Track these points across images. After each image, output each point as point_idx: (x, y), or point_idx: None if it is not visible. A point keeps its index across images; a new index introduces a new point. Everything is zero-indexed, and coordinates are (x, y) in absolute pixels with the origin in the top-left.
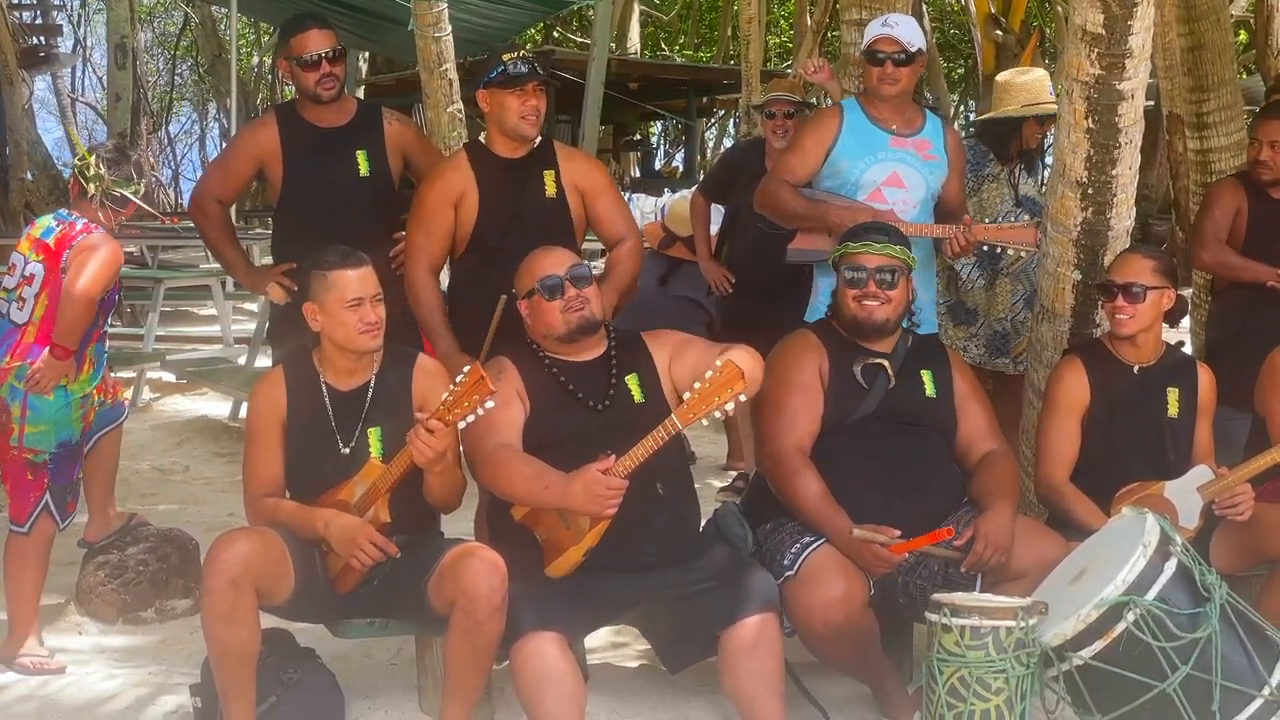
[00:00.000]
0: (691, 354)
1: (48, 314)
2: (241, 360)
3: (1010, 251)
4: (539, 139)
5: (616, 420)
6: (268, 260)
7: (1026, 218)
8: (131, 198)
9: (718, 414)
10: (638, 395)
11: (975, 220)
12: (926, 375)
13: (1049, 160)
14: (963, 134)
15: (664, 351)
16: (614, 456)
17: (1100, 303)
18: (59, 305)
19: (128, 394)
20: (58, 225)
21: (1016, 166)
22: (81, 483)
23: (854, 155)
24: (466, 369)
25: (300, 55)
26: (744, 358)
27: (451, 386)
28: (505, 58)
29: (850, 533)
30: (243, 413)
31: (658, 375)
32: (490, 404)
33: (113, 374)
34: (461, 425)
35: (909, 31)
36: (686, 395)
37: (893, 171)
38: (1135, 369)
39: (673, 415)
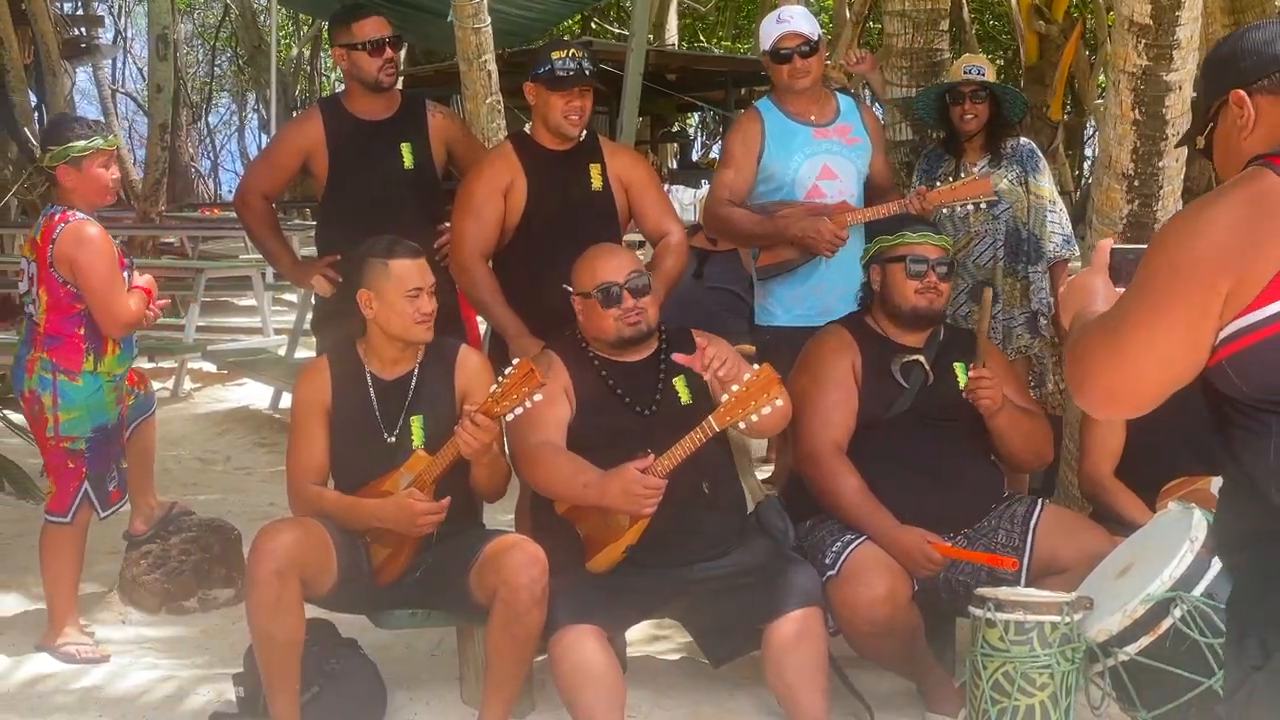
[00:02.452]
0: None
1: (49, 304)
2: (282, 351)
3: (970, 207)
4: (584, 133)
5: (663, 423)
6: (308, 251)
7: (975, 172)
8: (89, 152)
9: (754, 418)
10: (685, 396)
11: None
12: (959, 368)
13: (1089, 152)
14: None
15: None
16: (653, 455)
17: None
18: (97, 315)
19: (169, 384)
20: (43, 220)
21: (963, 162)
22: (126, 472)
23: (783, 156)
24: (515, 362)
25: (363, 40)
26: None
27: (499, 379)
28: (554, 55)
29: (894, 529)
30: (283, 403)
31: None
32: (538, 397)
33: (151, 363)
34: (509, 418)
35: (807, 22)
36: (725, 397)
37: (823, 164)
38: None
39: (710, 418)
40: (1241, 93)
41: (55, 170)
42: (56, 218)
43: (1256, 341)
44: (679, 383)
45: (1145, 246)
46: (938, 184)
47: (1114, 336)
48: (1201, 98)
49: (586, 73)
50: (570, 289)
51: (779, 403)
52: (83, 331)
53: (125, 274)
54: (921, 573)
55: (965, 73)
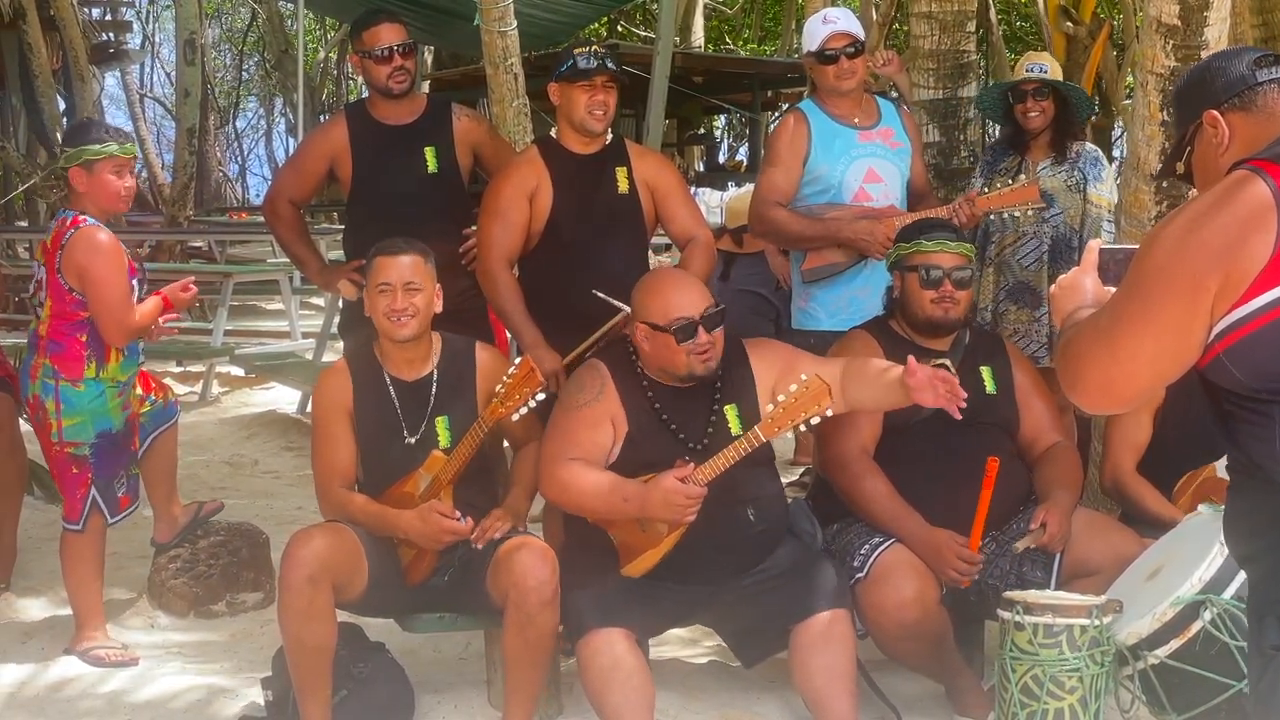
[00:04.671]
0: (802, 371)
1: (53, 310)
2: (309, 355)
3: (1017, 214)
4: (610, 136)
5: (712, 453)
6: (335, 255)
7: (1023, 178)
8: (101, 156)
9: (802, 428)
10: (735, 427)
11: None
12: (986, 371)
13: (1117, 153)
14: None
15: (769, 370)
16: (692, 464)
17: None
18: (100, 322)
19: (197, 388)
20: (54, 225)
21: (1026, 160)
22: (139, 479)
23: (830, 159)
24: (517, 361)
25: (372, 49)
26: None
27: (504, 378)
28: (576, 51)
29: (925, 531)
30: (311, 407)
31: (758, 401)
32: (541, 396)
33: (179, 367)
34: (515, 418)
35: (852, 22)
36: (770, 407)
37: (869, 167)
38: None
39: (756, 427)
40: (1215, 113)
41: (69, 172)
42: (68, 223)
43: (1251, 332)
44: (730, 411)
45: (1133, 247)
46: (998, 179)
47: (1106, 335)
48: (1176, 125)
49: (608, 65)
50: (626, 327)
51: (829, 413)
52: (85, 338)
53: (135, 282)
54: (951, 573)
55: (1028, 70)
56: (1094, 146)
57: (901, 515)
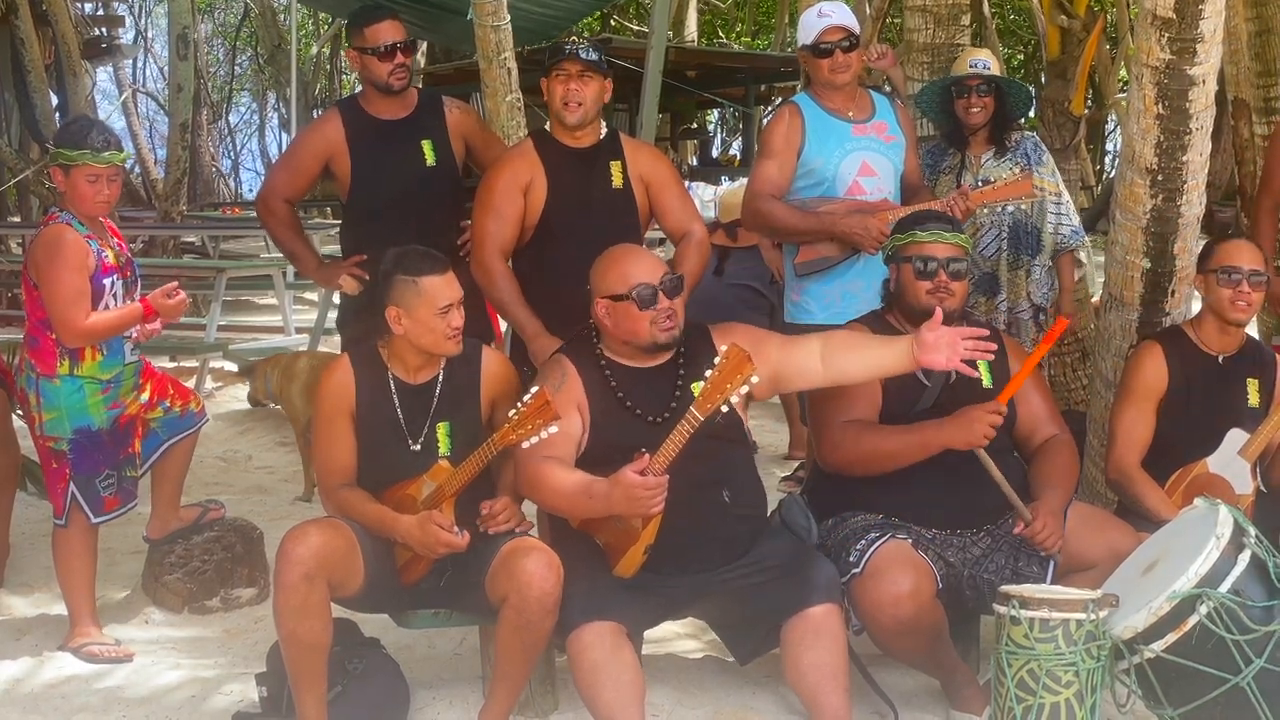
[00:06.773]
0: (770, 352)
1: (27, 307)
2: (303, 349)
3: (1011, 208)
4: (605, 130)
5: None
6: (328, 250)
7: (1017, 170)
8: (76, 163)
9: (734, 399)
10: None
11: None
12: (983, 365)
13: (1110, 146)
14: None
15: None
16: (648, 455)
17: (1200, 290)
18: (51, 320)
19: (190, 383)
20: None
21: (967, 155)
22: (135, 482)
23: (824, 152)
24: (534, 390)
25: (374, 45)
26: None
27: (519, 404)
28: (563, 44)
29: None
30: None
31: None
32: (554, 429)
33: (173, 363)
34: (525, 446)
35: (847, 15)
36: (701, 384)
37: (862, 161)
38: (1219, 358)
39: (691, 408)
40: None
41: (51, 170)
42: (46, 219)
43: None
44: (696, 389)
45: None
46: (943, 178)
47: None
48: None
49: (579, 54)
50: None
51: (755, 380)
52: (54, 335)
53: (120, 283)
54: (982, 431)
55: (971, 66)
56: (1030, 133)
57: (912, 430)
